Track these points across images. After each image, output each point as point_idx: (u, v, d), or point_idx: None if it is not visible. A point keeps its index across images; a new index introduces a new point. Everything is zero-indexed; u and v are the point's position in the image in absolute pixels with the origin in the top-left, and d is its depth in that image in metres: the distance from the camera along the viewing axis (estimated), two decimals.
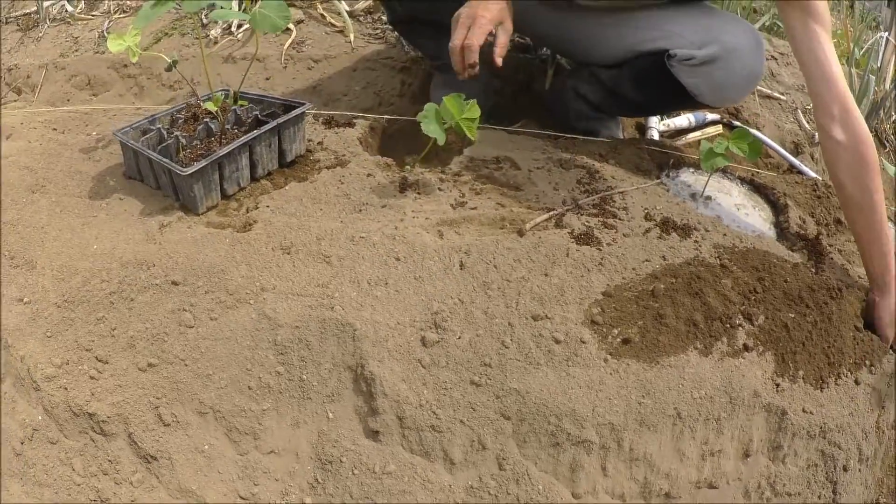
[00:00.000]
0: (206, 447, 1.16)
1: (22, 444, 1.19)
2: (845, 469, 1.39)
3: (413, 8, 1.43)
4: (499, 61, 1.26)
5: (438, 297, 1.15)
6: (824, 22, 1.27)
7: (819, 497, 1.37)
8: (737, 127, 1.59)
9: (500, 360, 1.12)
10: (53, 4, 1.73)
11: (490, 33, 1.25)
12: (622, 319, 1.19)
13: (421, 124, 1.16)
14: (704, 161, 1.34)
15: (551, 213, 1.25)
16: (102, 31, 1.60)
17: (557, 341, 1.15)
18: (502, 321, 1.14)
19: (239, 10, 1.38)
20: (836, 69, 1.29)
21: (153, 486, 1.17)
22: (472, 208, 1.25)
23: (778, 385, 1.29)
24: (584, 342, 1.16)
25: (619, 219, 1.30)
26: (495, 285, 1.17)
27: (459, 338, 1.13)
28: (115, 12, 1.66)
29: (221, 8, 1.19)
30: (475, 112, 1.18)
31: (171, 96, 1.46)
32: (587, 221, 1.27)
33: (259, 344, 1.15)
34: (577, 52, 1.51)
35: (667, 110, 1.64)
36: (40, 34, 1.64)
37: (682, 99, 1.42)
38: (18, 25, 1.72)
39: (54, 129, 1.36)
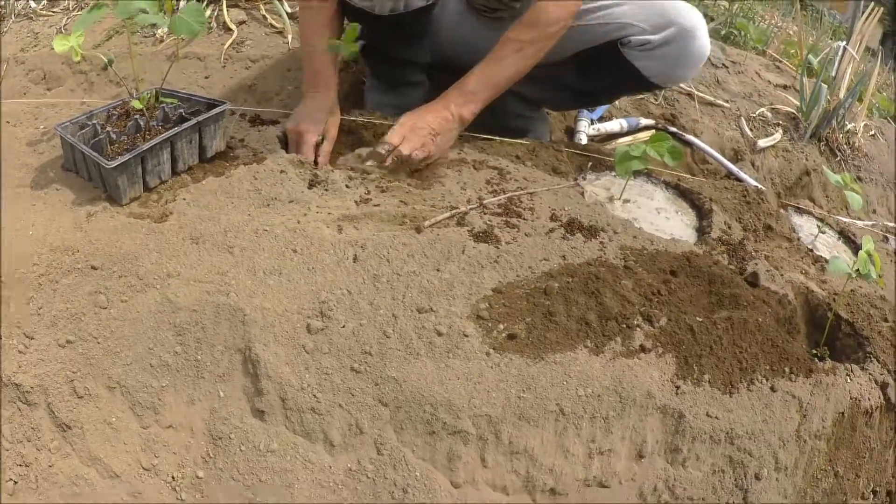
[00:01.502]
0: (114, 419, 1.25)
1: None
2: (758, 477, 1.37)
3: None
4: (321, 163, 1.41)
5: (328, 288, 1.20)
6: None
7: None
8: (672, 132, 1.59)
9: (380, 349, 1.17)
10: (18, 0, 1.86)
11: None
12: (510, 315, 1.22)
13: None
14: (619, 164, 1.35)
15: (453, 211, 1.29)
16: (60, 28, 1.74)
17: (440, 334, 1.18)
18: (387, 312, 1.19)
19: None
20: None
21: (68, 454, 1.26)
22: (376, 205, 1.30)
23: (678, 387, 1.29)
24: (466, 335, 1.19)
25: (524, 218, 1.32)
26: (385, 278, 1.21)
27: (343, 326, 1.18)
28: (74, 9, 1.79)
29: (148, 13, 1.27)
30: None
31: (116, 92, 1.56)
32: (489, 220, 1.30)
33: (161, 325, 1.22)
34: None
35: (614, 95, 1.68)
36: (5, 29, 1.79)
37: (631, 82, 1.49)
38: None
39: (7, 122, 1.48)
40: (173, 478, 1.22)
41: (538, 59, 1.38)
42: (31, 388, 1.26)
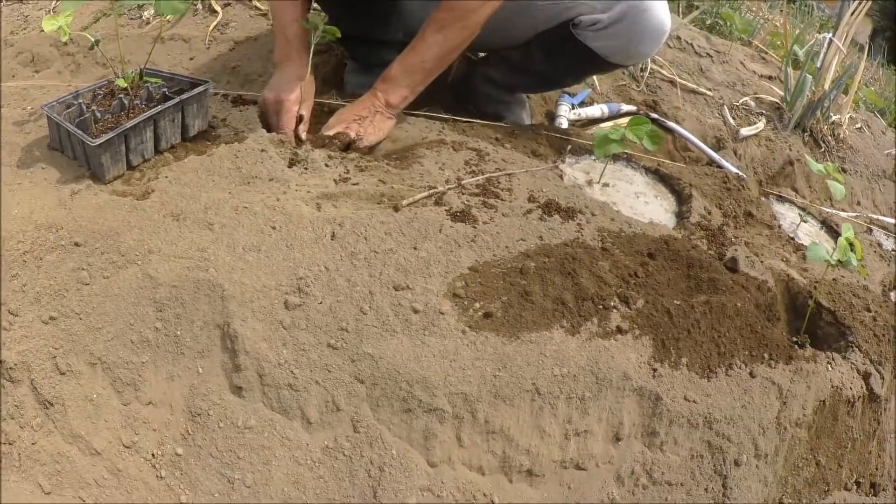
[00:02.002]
0: (95, 396, 1.26)
1: None
2: (737, 463, 1.37)
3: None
4: (303, 136, 1.43)
5: (305, 264, 1.21)
6: None
7: (706, 490, 1.36)
8: (654, 119, 1.60)
9: (357, 325, 1.18)
10: None
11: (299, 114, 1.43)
12: (486, 294, 1.23)
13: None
14: (598, 147, 1.36)
15: (431, 191, 1.30)
16: (50, 10, 1.76)
17: (416, 311, 1.19)
18: (363, 289, 1.20)
19: None
20: None
21: (50, 431, 1.27)
22: (354, 184, 1.31)
23: (655, 370, 1.29)
24: (442, 313, 1.20)
25: (501, 199, 1.33)
26: (362, 255, 1.22)
27: (320, 303, 1.19)
28: None
29: None
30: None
31: (103, 74, 1.58)
32: (467, 200, 1.31)
33: (141, 301, 1.23)
34: (487, 43, 1.56)
35: (579, 77, 1.68)
36: None
37: (592, 62, 1.48)
38: None
39: None
40: (153, 455, 1.23)
41: (466, 38, 1.38)
42: (15, 364, 1.27)
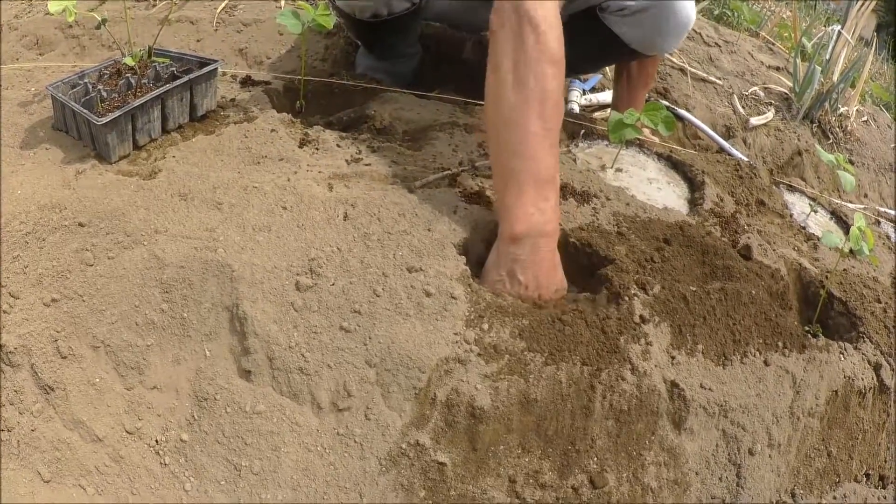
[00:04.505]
0: (98, 380, 1.22)
1: None
2: (751, 452, 1.35)
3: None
4: None
5: (317, 245, 1.18)
6: None
7: (720, 479, 1.34)
8: (665, 106, 1.58)
9: (370, 308, 1.15)
10: None
11: None
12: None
13: (277, 19, 1.25)
14: (613, 132, 1.35)
15: (445, 172, 1.28)
16: None
17: (429, 294, 1.16)
18: (377, 271, 1.17)
19: None
20: None
21: (50, 417, 1.23)
22: (367, 164, 1.28)
23: (673, 357, 1.27)
24: (454, 298, 1.17)
25: None
26: (375, 236, 1.20)
27: (333, 284, 1.16)
28: None
29: None
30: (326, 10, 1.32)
31: (108, 56, 1.54)
32: (481, 182, 1.29)
33: (147, 282, 1.20)
34: None
35: (598, 63, 1.67)
36: None
37: (612, 48, 1.46)
38: None
39: None
40: (157, 441, 1.20)
41: None
42: (15, 348, 1.23)
